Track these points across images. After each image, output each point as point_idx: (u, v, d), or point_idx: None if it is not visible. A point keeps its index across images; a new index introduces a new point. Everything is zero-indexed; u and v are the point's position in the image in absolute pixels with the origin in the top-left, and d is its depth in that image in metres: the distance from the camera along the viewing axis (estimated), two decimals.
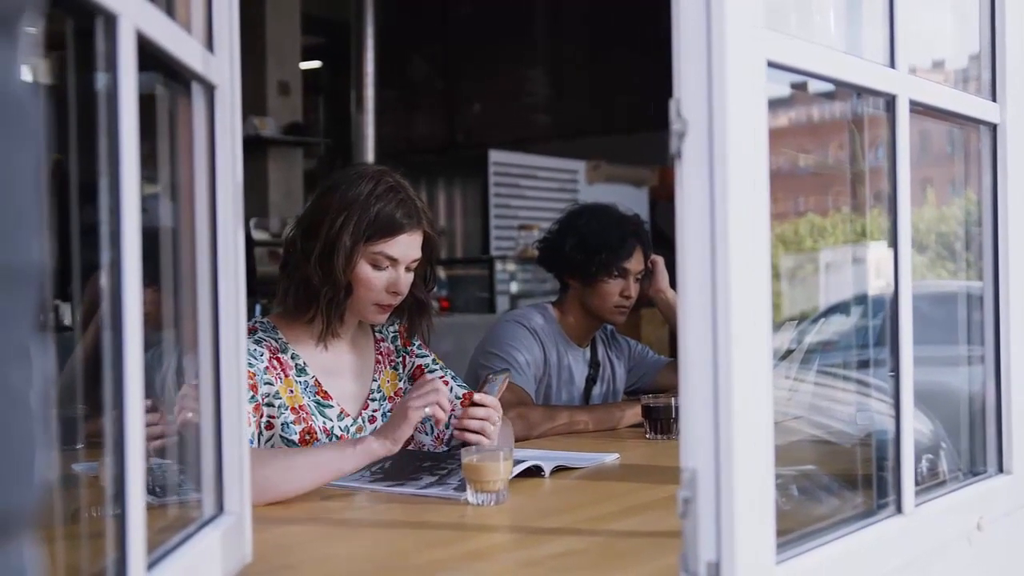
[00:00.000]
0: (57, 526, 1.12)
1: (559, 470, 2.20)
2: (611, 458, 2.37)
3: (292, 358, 2.24)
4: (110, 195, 1.01)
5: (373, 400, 2.35)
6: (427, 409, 2.00)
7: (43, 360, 0.59)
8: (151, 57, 1.12)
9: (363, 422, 2.31)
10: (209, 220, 1.36)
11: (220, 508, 1.38)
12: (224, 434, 1.38)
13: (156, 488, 1.35)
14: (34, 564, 0.61)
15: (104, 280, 1.02)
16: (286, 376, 2.21)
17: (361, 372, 2.36)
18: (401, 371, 2.43)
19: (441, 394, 2.03)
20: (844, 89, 1.64)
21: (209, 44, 1.36)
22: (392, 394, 2.39)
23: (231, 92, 1.39)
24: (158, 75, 1.27)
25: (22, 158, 0.55)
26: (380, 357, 2.40)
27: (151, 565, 1.09)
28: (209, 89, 1.35)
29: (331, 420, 2.24)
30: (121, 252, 1.01)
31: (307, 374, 2.25)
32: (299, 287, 2.22)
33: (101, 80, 1.02)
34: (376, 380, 2.37)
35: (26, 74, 0.59)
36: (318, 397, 2.24)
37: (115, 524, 1.01)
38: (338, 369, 2.31)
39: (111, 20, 1.00)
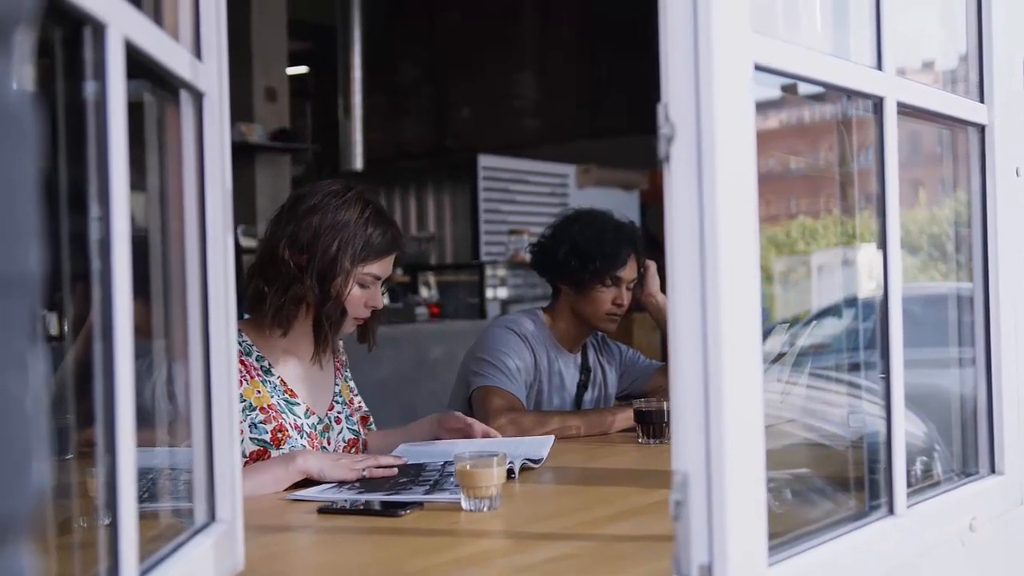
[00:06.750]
0: (46, 536, 1.12)
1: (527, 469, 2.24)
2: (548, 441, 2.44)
3: (257, 360, 2.33)
4: (99, 203, 1.01)
5: (337, 403, 2.47)
6: (365, 472, 2.16)
7: (39, 368, 0.59)
8: (138, 65, 1.12)
9: (330, 421, 2.43)
10: (198, 228, 1.36)
11: (212, 516, 1.37)
12: (215, 442, 1.38)
13: (144, 495, 1.35)
14: (31, 570, 0.61)
15: (95, 289, 1.02)
16: (252, 378, 2.29)
17: (324, 378, 2.47)
18: (349, 382, 2.57)
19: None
20: (832, 91, 1.64)
21: (197, 52, 1.35)
22: (347, 401, 2.51)
23: (219, 99, 1.39)
24: (145, 82, 1.27)
25: (19, 167, 0.55)
26: (339, 365, 2.53)
27: (143, 573, 1.09)
28: (197, 97, 1.35)
29: (300, 417, 2.34)
30: (111, 261, 1.01)
31: (273, 375, 2.33)
32: (290, 304, 2.30)
33: (89, 88, 1.02)
34: (337, 385, 2.50)
35: (21, 83, 0.59)
36: (286, 396, 2.34)
37: (107, 533, 1.01)
38: (304, 374, 2.41)
39: (99, 29, 1.00)
